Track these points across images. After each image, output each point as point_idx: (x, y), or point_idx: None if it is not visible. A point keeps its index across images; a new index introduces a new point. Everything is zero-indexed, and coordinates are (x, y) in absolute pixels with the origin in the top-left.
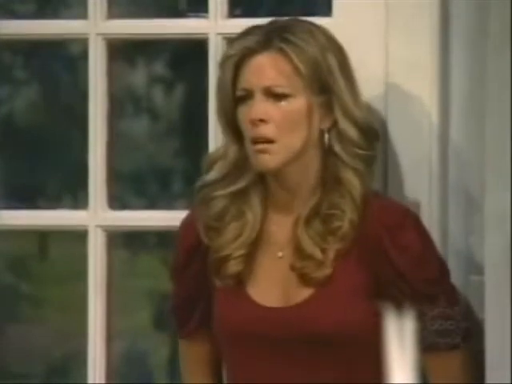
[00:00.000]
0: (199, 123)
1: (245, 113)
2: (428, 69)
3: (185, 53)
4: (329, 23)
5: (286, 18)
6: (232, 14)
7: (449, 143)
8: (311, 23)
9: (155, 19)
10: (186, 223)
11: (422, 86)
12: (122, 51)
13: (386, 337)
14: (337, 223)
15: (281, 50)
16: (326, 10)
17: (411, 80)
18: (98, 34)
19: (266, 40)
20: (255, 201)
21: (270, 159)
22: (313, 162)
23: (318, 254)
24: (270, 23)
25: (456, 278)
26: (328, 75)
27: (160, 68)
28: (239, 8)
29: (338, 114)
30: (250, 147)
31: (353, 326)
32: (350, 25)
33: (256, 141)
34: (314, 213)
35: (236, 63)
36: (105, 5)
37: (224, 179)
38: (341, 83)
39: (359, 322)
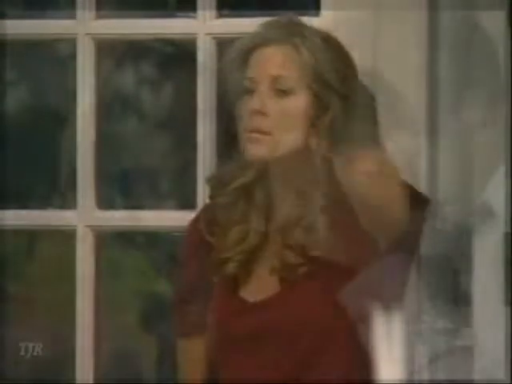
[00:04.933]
0: (188, 123)
1: (247, 103)
2: (416, 67)
3: (173, 53)
4: (317, 23)
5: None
6: (220, 14)
7: (438, 138)
8: (327, 32)
9: (144, 19)
10: (194, 220)
11: (410, 85)
12: (111, 51)
13: (374, 332)
14: None
15: (293, 44)
16: (315, 10)
17: (399, 78)
18: (86, 34)
19: (278, 33)
20: (260, 202)
21: (262, 149)
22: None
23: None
24: (284, 19)
25: (445, 275)
26: (327, 88)
27: (148, 68)
28: (227, 8)
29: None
30: (244, 136)
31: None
32: (338, 24)
33: (253, 131)
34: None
35: (246, 55)
36: (93, 5)
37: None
38: (336, 99)
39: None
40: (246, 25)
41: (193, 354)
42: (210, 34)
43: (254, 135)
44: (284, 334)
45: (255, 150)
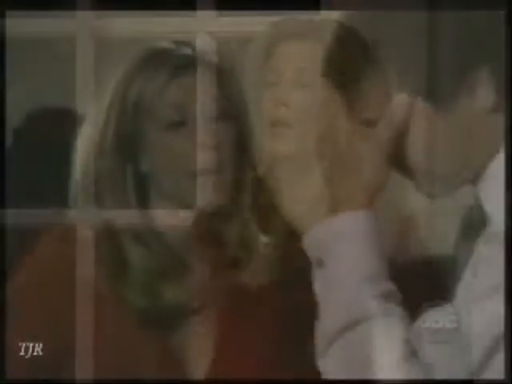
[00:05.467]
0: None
1: (269, 96)
2: (415, 67)
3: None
4: None
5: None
6: (220, 13)
7: (438, 138)
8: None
9: (144, 19)
10: (196, 217)
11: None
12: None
13: (373, 327)
14: None
15: (317, 38)
16: (315, 10)
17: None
18: (86, 34)
19: (301, 28)
20: (266, 197)
21: (284, 143)
22: None
23: None
24: (307, 17)
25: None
26: (351, 82)
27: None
28: (228, 8)
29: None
30: (266, 131)
31: None
32: None
33: (274, 124)
34: None
35: (269, 49)
36: (93, 5)
37: None
38: (359, 90)
39: None
40: (246, 24)
41: (196, 351)
42: (210, 33)
43: (277, 129)
44: (283, 320)
45: (277, 144)
